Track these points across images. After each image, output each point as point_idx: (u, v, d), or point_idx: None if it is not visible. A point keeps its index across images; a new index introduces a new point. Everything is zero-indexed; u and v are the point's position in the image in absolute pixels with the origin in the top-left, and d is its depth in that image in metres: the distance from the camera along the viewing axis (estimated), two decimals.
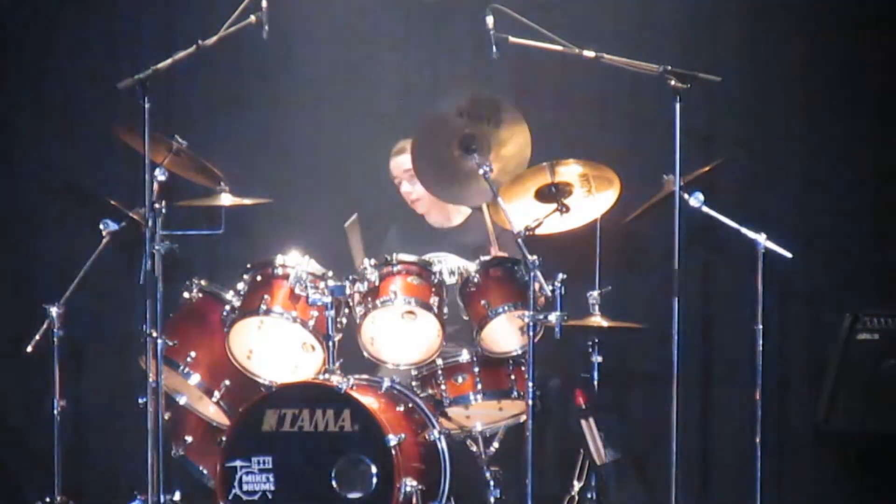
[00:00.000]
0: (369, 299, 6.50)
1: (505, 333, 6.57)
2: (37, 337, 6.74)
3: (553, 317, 6.17)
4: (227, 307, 6.63)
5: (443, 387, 6.61)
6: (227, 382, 6.65)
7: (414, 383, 6.66)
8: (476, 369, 6.60)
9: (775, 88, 7.59)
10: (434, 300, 6.51)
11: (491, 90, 6.85)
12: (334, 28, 7.64)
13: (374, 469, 6.24)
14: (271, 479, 6.30)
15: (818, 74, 7.57)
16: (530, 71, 7.52)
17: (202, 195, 6.92)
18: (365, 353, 6.57)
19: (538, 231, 6.37)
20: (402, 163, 7.06)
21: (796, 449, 7.48)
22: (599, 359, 6.71)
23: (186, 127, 7.33)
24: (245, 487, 6.31)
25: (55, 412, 6.74)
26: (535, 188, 6.49)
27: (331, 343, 6.48)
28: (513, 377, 6.61)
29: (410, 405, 6.53)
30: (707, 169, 6.95)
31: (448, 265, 7.00)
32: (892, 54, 7.53)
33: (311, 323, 6.50)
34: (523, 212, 6.42)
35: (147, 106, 6.15)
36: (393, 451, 6.22)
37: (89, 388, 7.53)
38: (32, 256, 7.63)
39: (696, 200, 6.59)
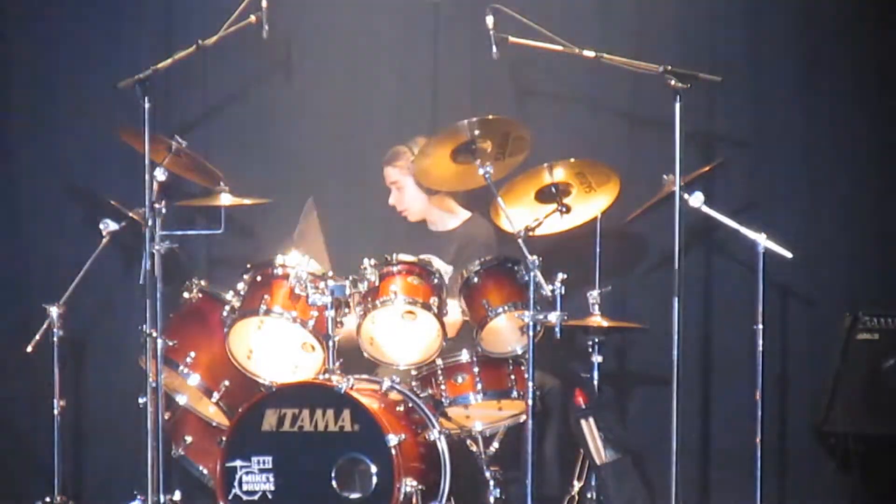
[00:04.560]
0: (369, 299, 6.50)
1: (505, 333, 6.57)
2: (37, 337, 6.74)
3: (553, 317, 6.18)
4: (227, 307, 6.63)
5: (443, 387, 6.61)
6: (227, 382, 6.65)
7: (414, 383, 6.66)
8: (476, 369, 6.60)
9: (775, 88, 7.59)
10: (434, 300, 6.51)
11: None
12: (334, 28, 7.64)
13: (374, 469, 6.24)
14: (271, 479, 6.30)
15: (818, 74, 7.57)
16: (530, 71, 7.53)
17: (202, 195, 6.92)
18: (365, 353, 6.57)
19: (541, 231, 6.38)
20: (391, 173, 7.09)
21: (796, 449, 7.48)
22: (599, 359, 6.71)
23: (186, 127, 7.35)
24: (245, 487, 6.31)
25: (55, 412, 6.74)
26: (535, 190, 6.50)
27: (331, 343, 6.47)
28: (513, 377, 6.61)
29: (410, 405, 6.53)
30: (707, 169, 6.95)
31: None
32: (892, 54, 7.53)
33: (311, 323, 6.50)
34: (524, 213, 6.42)
35: (147, 106, 6.15)
36: (393, 451, 6.22)
37: (89, 388, 7.52)
38: (32, 256, 7.62)
39: (696, 200, 6.60)
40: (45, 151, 7.62)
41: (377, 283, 6.52)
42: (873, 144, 7.58)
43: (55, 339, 6.73)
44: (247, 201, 6.79)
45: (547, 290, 6.17)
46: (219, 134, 7.64)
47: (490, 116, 6.44)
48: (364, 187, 7.58)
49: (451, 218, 7.19)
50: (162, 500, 6.24)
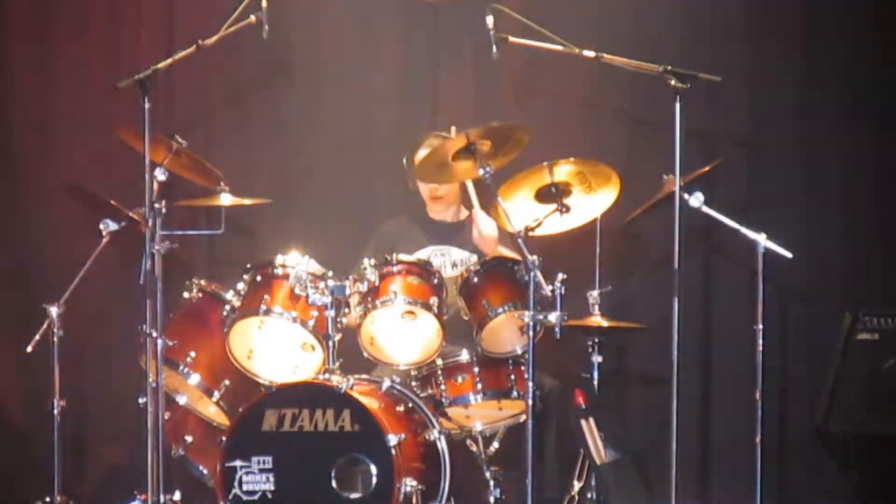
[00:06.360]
0: (369, 299, 6.50)
1: (505, 333, 6.57)
2: (37, 337, 6.73)
3: (553, 317, 6.17)
4: (227, 307, 6.63)
5: (443, 387, 6.61)
6: (227, 382, 6.65)
7: (414, 383, 6.66)
8: (476, 369, 6.60)
9: (775, 88, 7.59)
10: (434, 300, 6.51)
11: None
12: (334, 28, 7.64)
13: (374, 469, 6.24)
14: (271, 479, 6.30)
15: (818, 74, 7.57)
16: (530, 71, 7.53)
17: (202, 195, 6.92)
18: (365, 353, 6.57)
19: (540, 231, 6.38)
20: None
21: (796, 449, 7.48)
22: (599, 359, 6.71)
23: (186, 127, 7.35)
24: (245, 487, 6.31)
25: (55, 412, 6.73)
26: (535, 189, 6.49)
27: (331, 343, 6.47)
28: (513, 377, 6.61)
29: (410, 405, 6.53)
30: (707, 169, 6.95)
31: (451, 257, 7.02)
32: (892, 53, 7.53)
33: (311, 323, 6.50)
34: (523, 212, 6.42)
35: (147, 106, 6.14)
36: (393, 451, 6.22)
37: (89, 388, 7.52)
38: (32, 256, 7.62)
39: (696, 200, 6.59)
40: (46, 151, 7.62)
41: (377, 283, 6.52)
42: (873, 144, 7.58)
43: (55, 339, 6.72)
44: (247, 201, 6.79)
45: (547, 290, 6.16)
46: (219, 134, 7.64)
47: (495, 124, 6.43)
48: (364, 186, 7.58)
49: (462, 211, 7.19)
50: (162, 500, 6.24)
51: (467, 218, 7.15)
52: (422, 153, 6.87)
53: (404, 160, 7.08)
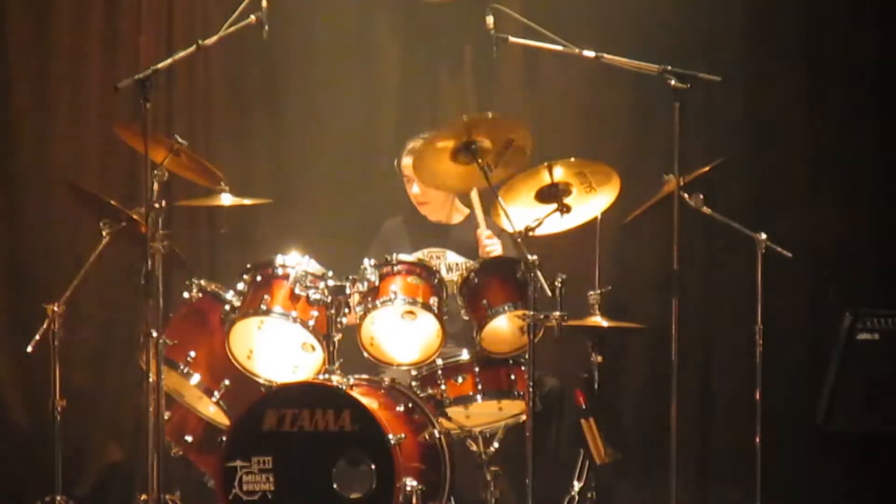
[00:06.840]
0: (369, 299, 6.50)
1: (505, 333, 6.57)
2: (37, 337, 6.72)
3: (553, 317, 6.17)
4: (227, 307, 6.63)
5: (443, 387, 6.60)
6: (227, 382, 6.65)
7: (414, 383, 6.66)
8: (476, 369, 6.60)
9: (776, 88, 7.59)
10: (434, 300, 6.51)
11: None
12: (334, 28, 7.64)
13: (374, 469, 6.24)
14: (271, 479, 6.30)
15: (819, 74, 7.57)
16: (530, 71, 7.53)
17: (202, 195, 6.92)
18: (365, 353, 6.57)
19: (541, 231, 6.38)
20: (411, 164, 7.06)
21: (796, 449, 7.47)
22: (599, 359, 6.71)
23: (186, 127, 7.35)
24: (245, 487, 6.30)
25: (55, 412, 6.73)
26: (535, 189, 6.49)
27: (331, 343, 6.47)
28: (513, 377, 6.61)
29: (410, 405, 6.52)
30: (707, 169, 6.95)
31: (447, 261, 7.02)
32: (893, 53, 7.54)
33: (311, 323, 6.50)
34: (524, 213, 6.42)
35: (147, 106, 6.14)
36: (393, 451, 6.22)
37: (89, 388, 7.52)
38: (32, 256, 7.62)
39: (696, 200, 6.60)
40: (45, 151, 7.62)
41: (377, 283, 6.52)
42: (873, 144, 7.58)
43: (55, 339, 6.71)
44: (247, 201, 6.79)
45: (547, 289, 6.16)
46: (219, 134, 7.64)
47: (489, 114, 6.43)
48: (364, 186, 7.59)
49: (456, 214, 7.20)
50: (162, 499, 6.24)
51: (463, 220, 7.15)
52: (412, 145, 6.89)
53: (395, 162, 7.08)
